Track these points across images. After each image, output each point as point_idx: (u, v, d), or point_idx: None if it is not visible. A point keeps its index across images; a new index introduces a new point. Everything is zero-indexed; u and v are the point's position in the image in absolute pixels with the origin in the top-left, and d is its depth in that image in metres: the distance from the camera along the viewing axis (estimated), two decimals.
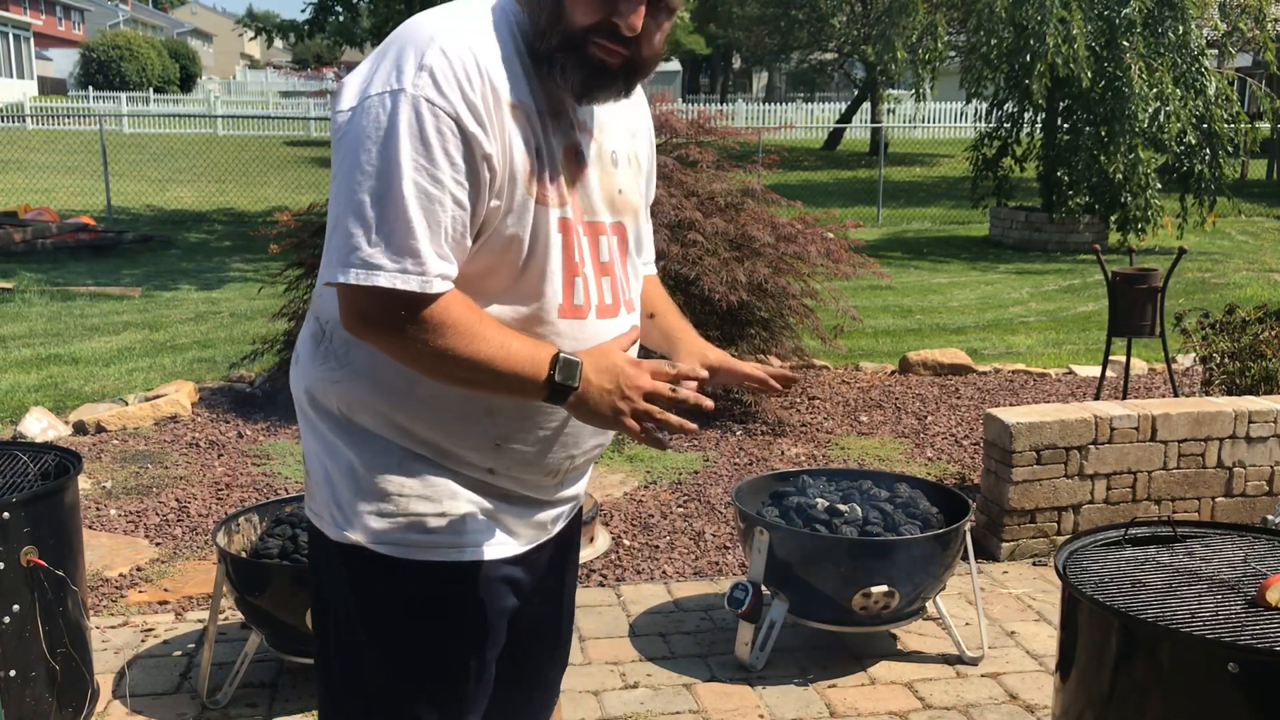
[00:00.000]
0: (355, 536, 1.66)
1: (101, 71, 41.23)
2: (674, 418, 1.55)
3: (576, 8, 1.55)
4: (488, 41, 1.56)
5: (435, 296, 1.50)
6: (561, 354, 1.55)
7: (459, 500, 1.66)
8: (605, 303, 1.69)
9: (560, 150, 1.63)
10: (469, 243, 1.55)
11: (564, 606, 1.95)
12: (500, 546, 1.70)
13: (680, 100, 35.38)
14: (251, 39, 49.04)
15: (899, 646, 3.62)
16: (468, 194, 1.52)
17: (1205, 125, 13.39)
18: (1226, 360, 5.40)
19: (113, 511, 4.72)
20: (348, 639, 1.71)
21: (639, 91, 1.81)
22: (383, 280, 1.48)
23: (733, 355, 1.93)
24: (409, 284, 1.48)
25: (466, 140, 1.50)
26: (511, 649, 1.81)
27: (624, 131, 1.77)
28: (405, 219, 1.48)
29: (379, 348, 1.57)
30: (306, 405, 1.72)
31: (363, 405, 1.65)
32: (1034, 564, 4.27)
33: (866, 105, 30.18)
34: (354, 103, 1.53)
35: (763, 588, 3.41)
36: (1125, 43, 12.65)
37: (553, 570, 1.87)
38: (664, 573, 4.19)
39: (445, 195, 1.50)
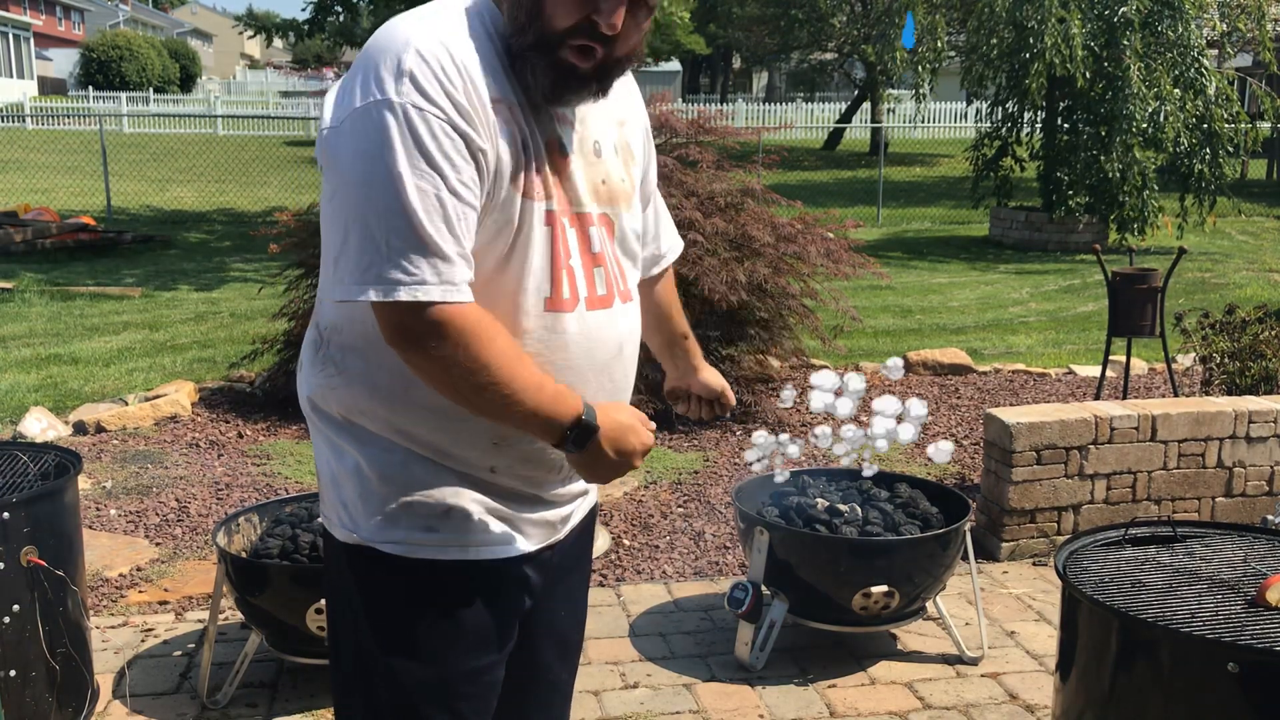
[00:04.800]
0: (361, 536, 1.66)
1: (101, 71, 41.25)
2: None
3: (557, 9, 1.53)
4: (462, 39, 1.55)
5: (459, 304, 1.49)
6: (584, 418, 1.58)
7: (463, 499, 1.66)
8: (598, 294, 1.68)
9: (543, 143, 1.62)
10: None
11: (576, 608, 1.95)
12: (507, 545, 1.70)
13: (680, 100, 35.36)
14: (250, 38, 49.03)
15: (899, 646, 3.62)
16: (472, 193, 1.52)
17: (1205, 125, 13.38)
18: (1226, 360, 5.40)
19: (113, 511, 4.72)
20: (355, 639, 1.71)
21: (628, 80, 1.80)
22: (403, 295, 1.47)
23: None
24: (429, 295, 1.48)
25: (463, 139, 1.50)
26: (523, 650, 1.81)
27: (609, 121, 1.75)
28: (415, 230, 1.47)
29: (411, 367, 1.55)
30: (310, 411, 1.73)
31: (361, 410, 1.65)
32: (1034, 564, 4.27)
33: (866, 105, 30.18)
34: (340, 119, 1.52)
35: (763, 588, 3.41)
36: (1124, 42, 12.65)
37: (565, 571, 1.86)
38: (664, 573, 4.19)
39: (450, 198, 1.49)
